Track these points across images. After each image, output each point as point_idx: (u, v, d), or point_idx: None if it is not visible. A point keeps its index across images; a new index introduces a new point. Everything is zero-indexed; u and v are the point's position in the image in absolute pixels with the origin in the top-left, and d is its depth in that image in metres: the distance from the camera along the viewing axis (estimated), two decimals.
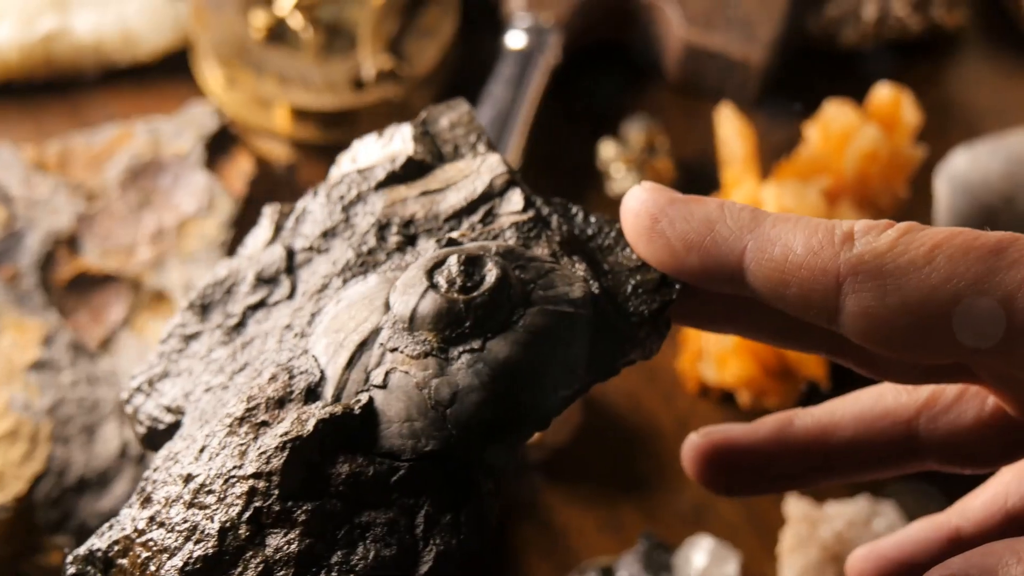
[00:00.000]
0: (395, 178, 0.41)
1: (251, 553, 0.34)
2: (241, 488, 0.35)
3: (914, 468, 0.44)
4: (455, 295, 0.36)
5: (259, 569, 0.34)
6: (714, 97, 0.75)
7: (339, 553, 0.34)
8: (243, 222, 0.64)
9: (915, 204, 0.70)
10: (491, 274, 0.36)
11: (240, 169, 0.65)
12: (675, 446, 0.63)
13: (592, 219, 0.40)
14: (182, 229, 0.63)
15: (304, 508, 0.34)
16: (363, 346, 0.36)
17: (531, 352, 0.36)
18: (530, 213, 0.39)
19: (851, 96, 0.70)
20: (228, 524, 0.35)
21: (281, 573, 0.34)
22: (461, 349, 0.35)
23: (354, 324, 0.37)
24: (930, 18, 0.76)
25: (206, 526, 0.35)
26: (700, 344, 0.63)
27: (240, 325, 0.40)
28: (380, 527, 0.34)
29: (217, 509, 0.35)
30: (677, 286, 0.38)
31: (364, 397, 0.35)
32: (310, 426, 0.35)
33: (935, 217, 0.69)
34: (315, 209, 0.42)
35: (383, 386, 0.35)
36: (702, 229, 0.37)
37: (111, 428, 0.58)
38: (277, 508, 0.34)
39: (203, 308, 0.41)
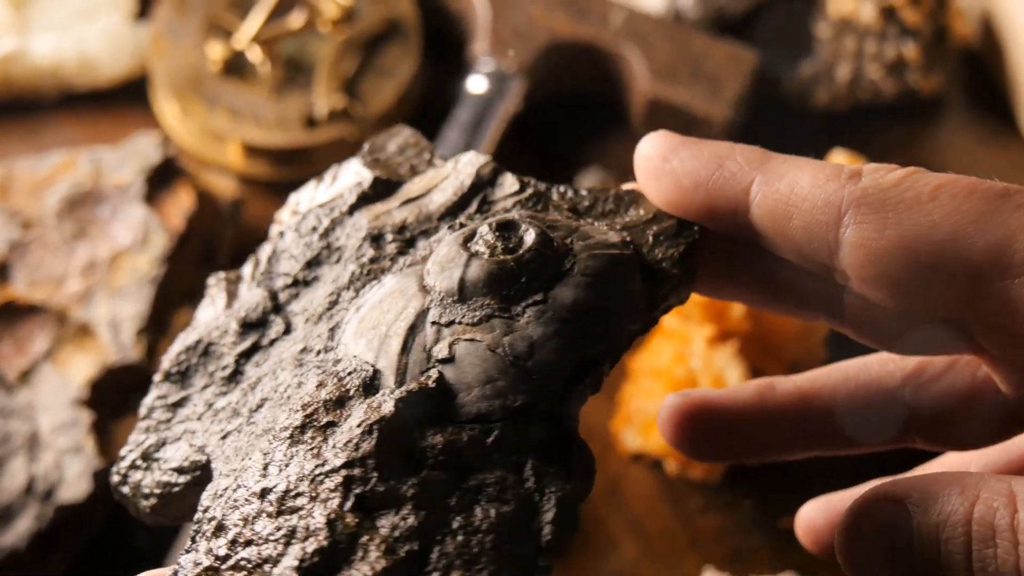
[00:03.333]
0: (367, 198, 0.41)
1: (367, 537, 0.33)
2: (334, 481, 0.34)
3: (901, 443, 0.43)
4: (501, 257, 0.36)
5: (381, 549, 0.33)
6: None
7: (458, 519, 0.33)
8: (177, 258, 0.63)
9: None
10: (529, 232, 0.36)
11: (180, 204, 0.65)
12: (603, 510, 0.62)
13: (583, 192, 0.40)
14: (114, 262, 0.62)
15: (409, 483, 0.33)
16: (413, 329, 0.36)
17: (595, 291, 0.36)
18: (528, 191, 0.39)
19: (820, 157, 0.69)
20: (333, 516, 0.33)
21: (405, 548, 0.32)
22: (524, 304, 0.35)
23: (392, 316, 0.36)
24: (905, 82, 0.74)
25: (309, 523, 0.33)
26: (630, 408, 0.62)
27: (237, 373, 0.39)
28: (491, 487, 0.34)
29: (313, 508, 0.33)
30: (696, 227, 0.38)
31: (434, 373, 0.35)
32: (389, 407, 0.34)
33: None
34: (287, 247, 0.41)
35: (450, 359, 0.35)
36: (711, 164, 0.37)
37: (19, 463, 0.57)
38: (381, 489, 0.33)
39: (181, 375, 0.40)
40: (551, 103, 0.75)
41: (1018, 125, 0.76)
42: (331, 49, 0.71)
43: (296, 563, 0.33)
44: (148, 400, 0.40)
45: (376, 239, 0.39)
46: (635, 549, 0.62)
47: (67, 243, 0.63)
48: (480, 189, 0.40)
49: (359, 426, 0.34)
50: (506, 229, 0.36)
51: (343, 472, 0.34)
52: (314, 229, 0.40)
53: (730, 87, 0.72)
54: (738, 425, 0.43)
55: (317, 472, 0.34)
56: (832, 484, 0.62)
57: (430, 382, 0.35)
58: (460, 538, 0.33)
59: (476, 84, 0.71)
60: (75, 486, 0.56)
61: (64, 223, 0.64)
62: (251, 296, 0.40)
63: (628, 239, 0.37)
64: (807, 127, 0.76)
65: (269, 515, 0.34)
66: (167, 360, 0.40)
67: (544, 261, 0.36)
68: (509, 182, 0.40)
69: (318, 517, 0.33)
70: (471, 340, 0.35)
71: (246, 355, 0.39)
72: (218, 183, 0.68)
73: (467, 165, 0.40)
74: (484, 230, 0.36)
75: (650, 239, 0.38)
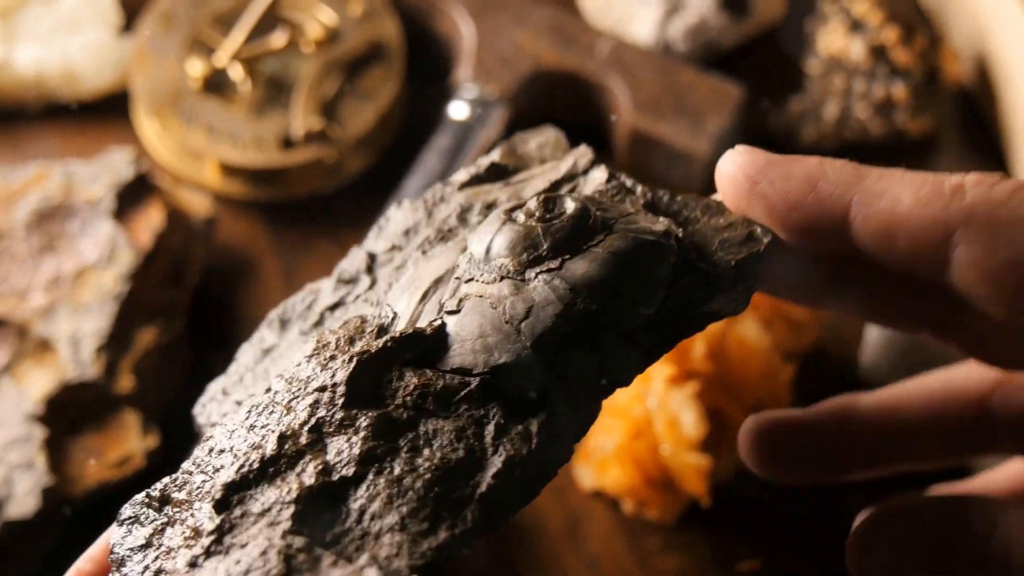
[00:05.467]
0: (478, 179, 0.42)
1: (310, 456, 0.34)
2: (305, 401, 0.35)
3: (990, 453, 0.43)
4: (532, 223, 0.36)
5: (318, 469, 0.34)
6: (660, 185, 0.73)
7: (403, 455, 0.34)
8: (143, 276, 0.63)
9: (846, 321, 0.67)
10: (571, 205, 0.36)
11: (149, 221, 0.64)
12: (559, 545, 0.61)
13: (677, 198, 0.40)
14: (79, 278, 0.62)
15: (367, 414, 0.34)
16: (438, 282, 0.37)
17: (609, 269, 0.35)
18: (613, 183, 0.40)
19: None
20: (287, 432, 0.35)
21: (340, 473, 0.33)
22: (538, 270, 0.36)
23: (429, 273, 0.38)
24: (892, 123, 0.73)
25: (266, 436, 0.35)
26: (589, 445, 0.61)
27: (318, 324, 0.41)
28: (448, 434, 0.34)
29: (278, 424, 0.35)
30: (766, 240, 0.37)
31: (437, 322, 0.36)
32: (377, 343, 0.35)
33: (865, 334, 0.66)
34: (398, 216, 0.42)
35: (456, 311, 0.36)
36: (804, 187, 0.36)
37: None
38: (340, 416, 0.34)
39: (282, 323, 0.42)
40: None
41: (1010, 167, 0.75)
42: (312, 70, 0.71)
43: (234, 474, 0.34)
44: (249, 343, 0.43)
45: (464, 211, 0.41)
46: None
47: (34, 256, 0.63)
48: (572, 179, 0.40)
49: (346, 355, 0.36)
50: (551, 202, 0.37)
51: (314, 395, 0.35)
52: (426, 201, 0.42)
53: (714, 122, 0.71)
54: (820, 443, 0.43)
55: (297, 392, 0.35)
56: (793, 525, 0.61)
57: (428, 329, 0.36)
58: (396, 472, 0.33)
59: (458, 110, 0.71)
60: (23, 502, 0.56)
61: (32, 236, 0.63)
62: (353, 256, 0.42)
63: (673, 231, 0.37)
64: None
65: (247, 427, 0.36)
66: (279, 307, 0.43)
67: (571, 234, 0.36)
68: (599, 174, 0.40)
69: (273, 432, 0.35)
70: (480, 296, 0.36)
71: (331, 308, 0.41)
72: (193, 201, 0.68)
73: (573, 156, 0.41)
74: (531, 201, 0.37)
75: (715, 244, 0.38)
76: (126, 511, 0.36)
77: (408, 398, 0.35)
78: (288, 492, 0.34)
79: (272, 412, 0.36)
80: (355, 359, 0.35)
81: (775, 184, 0.37)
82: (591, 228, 0.36)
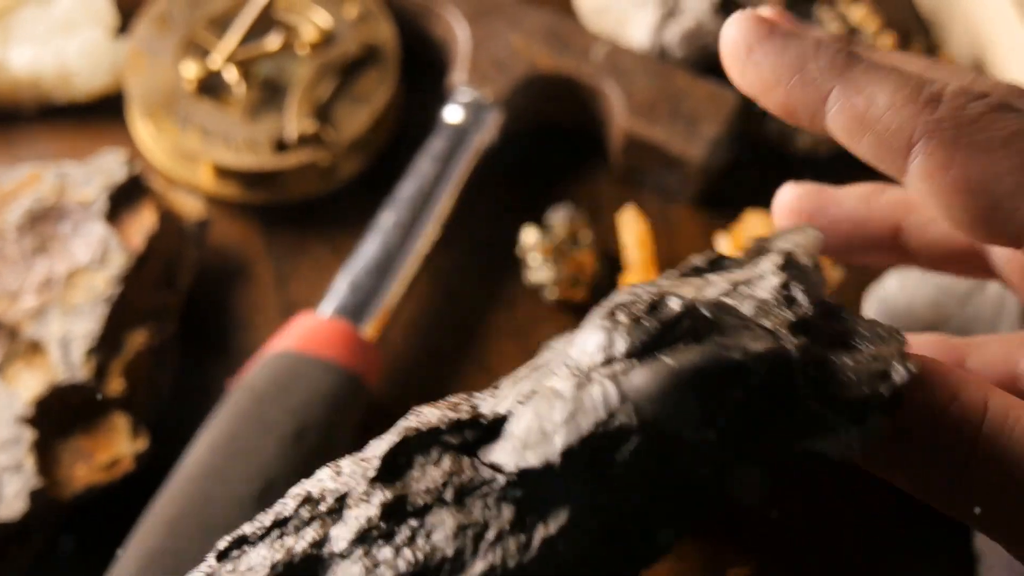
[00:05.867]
0: (696, 270, 0.41)
1: (319, 524, 0.34)
2: (350, 468, 0.34)
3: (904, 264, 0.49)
4: (627, 321, 0.33)
5: (314, 539, 0.33)
6: (654, 190, 0.73)
7: (397, 540, 0.32)
8: (134, 278, 0.63)
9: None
10: (675, 306, 0.33)
11: (142, 223, 0.64)
12: None
13: (855, 317, 0.36)
14: (70, 280, 0.62)
15: (386, 493, 0.33)
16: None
17: (667, 381, 0.31)
18: (785, 293, 0.36)
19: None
20: (319, 495, 0.34)
21: (330, 547, 0.33)
22: (605, 372, 0.32)
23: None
24: None
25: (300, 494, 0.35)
26: None
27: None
28: (449, 528, 0.32)
29: (322, 483, 0.34)
30: (899, 380, 0.32)
31: (506, 411, 0.33)
32: (432, 423, 0.34)
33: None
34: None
35: (523, 403, 0.33)
36: (794, 64, 0.37)
37: None
38: (363, 489, 0.33)
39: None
40: (527, 135, 0.74)
41: None
42: (307, 72, 0.71)
43: (256, 524, 0.34)
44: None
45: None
46: None
47: (26, 258, 0.63)
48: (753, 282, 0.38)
49: (399, 432, 0.34)
50: (657, 303, 0.33)
51: (361, 464, 0.34)
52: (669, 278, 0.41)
53: (709, 127, 0.71)
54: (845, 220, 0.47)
55: (356, 455, 0.35)
56: (783, 532, 0.61)
57: (487, 416, 0.33)
58: (380, 557, 0.32)
59: (452, 114, 0.71)
60: (11, 505, 0.56)
61: (25, 238, 0.63)
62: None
63: (787, 352, 0.32)
64: (788, 170, 0.75)
65: (329, 474, 0.34)
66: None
67: (658, 336, 0.32)
68: (774, 280, 0.37)
69: (308, 491, 0.34)
70: (549, 391, 0.33)
71: None
72: (186, 203, 0.67)
73: (772, 256, 0.39)
74: (639, 303, 0.34)
75: (847, 374, 0.33)
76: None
77: (433, 483, 0.33)
78: (274, 555, 0.33)
79: (332, 471, 0.35)
80: (402, 434, 0.33)
81: (768, 56, 0.37)
82: (680, 335, 0.32)
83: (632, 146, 0.72)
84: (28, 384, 0.59)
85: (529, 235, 0.69)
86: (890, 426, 0.33)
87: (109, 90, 0.73)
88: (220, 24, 0.73)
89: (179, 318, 0.65)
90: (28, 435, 0.58)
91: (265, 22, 0.72)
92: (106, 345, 0.61)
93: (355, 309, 0.63)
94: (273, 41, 0.72)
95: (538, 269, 0.68)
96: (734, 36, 0.38)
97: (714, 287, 0.38)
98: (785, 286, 0.36)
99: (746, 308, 0.36)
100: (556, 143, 0.75)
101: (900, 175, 0.36)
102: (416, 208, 0.67)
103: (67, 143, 0.73)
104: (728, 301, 0.36)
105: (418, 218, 0.67)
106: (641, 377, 0.31)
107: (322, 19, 0.73)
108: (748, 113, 0.73)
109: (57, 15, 0.73)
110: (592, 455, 0.31)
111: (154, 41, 0.72)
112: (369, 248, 0.65)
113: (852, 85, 0.36)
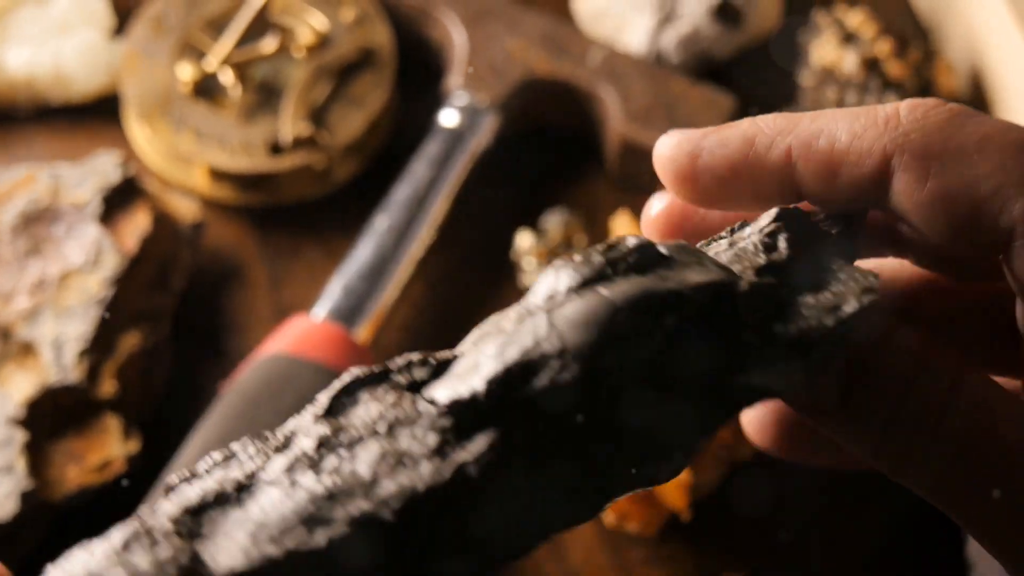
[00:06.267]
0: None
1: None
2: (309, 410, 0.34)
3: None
4: (579, 261, 0.33)
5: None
6: (650, 195, 0.73)
7: (323, 464, 0.32)
8: (127, 280, 0.63)
9: None
10: (630, 243, 0.33)
11: (136, 225, 0.64)
12: (541, 558, 0.61)
13: (850, 268, 0.35)
14: (64, 281, 0.62)
15: (324, 427, 0.33)
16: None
17: (595, 314, 0.32)
18: (770, 240, 0.36)
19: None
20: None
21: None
22: (544, 307, 0.32)
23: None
24: None
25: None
26: None
27: None
28: (373, 452, 0.32)
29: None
30: (850, 311, 0.33)
31: (457, 352, 0.34)
32: (379, 367, 0.34)
33: None
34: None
35: (476, 343, 0.34)
36: (743, 147, 0.36)
37: None
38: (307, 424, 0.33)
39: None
40: (523, 139, 0.74)
41: None
42: (303, 75, 0.71)
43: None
44: None
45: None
46: None
47: (19, 259, 0.63)
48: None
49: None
50: (616, 243, 0.34)
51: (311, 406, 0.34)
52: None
53: None
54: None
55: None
56: (776, 538, 0.61)
57: (435, 357, 0.34)
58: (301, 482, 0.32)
59: (448, 117, 0.71)
60: (2, 506, 0.56)
61: (19, 239, 0.63)
62: None
63: (728, 283, 0.33)
64: None
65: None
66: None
67: (599, 272, 0.33)
68: (765, 221, 0.36)
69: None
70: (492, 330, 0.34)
71: None
72: (180, 205, 0.67)
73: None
74: (601, 246, 0.34)
75: (801, 310, 0.33)
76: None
77: (369, 417, 0.33)
78: (208, 485, 0.33)
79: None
80: (353, 376, 0.33)
81: (715, 153, 0.36)
82: (625, 270, 0.33)
83: (628, 151, 0.71)
84: (20, 385, 0.59)
85: (524, 239, 0.69)
86: (840, 361, 0.33)
87: (105, 91, 0.73)
88: (216, 26, 0.73)
89: (173, 320, 0.65)
90: (20, 436, 0.58)
91: (261, 25, 0.72)
92: (98, 347, 0.61)
93: (349, 312, 0.63)
94: (269, 44, 0.71)
95: (533, 273, 0.68)
96: (672, 153, 0.37)
97: (718, 244, 0.37)
98: (771, 235, 0.36)
99: (726, 256, 0.36)
100: (552, 147, 0.75)
101: (884, 200, 0.35)
102: (411, 212, 0.67)
103: (62, 144, 0.73)
104: (708, 249, 0.36)
105: (413, 222, 0.67)
106: (572, 307, 0.32)
107: (318, 22, 0.73)
108: (744, 118, 0.73)
109: (53, 16, 0.73)
110: (517, 384, 0.31)
111: (150, 43, 0.72)
112: (363, 251, 0.65)
113: (807, 134, 0.35)
